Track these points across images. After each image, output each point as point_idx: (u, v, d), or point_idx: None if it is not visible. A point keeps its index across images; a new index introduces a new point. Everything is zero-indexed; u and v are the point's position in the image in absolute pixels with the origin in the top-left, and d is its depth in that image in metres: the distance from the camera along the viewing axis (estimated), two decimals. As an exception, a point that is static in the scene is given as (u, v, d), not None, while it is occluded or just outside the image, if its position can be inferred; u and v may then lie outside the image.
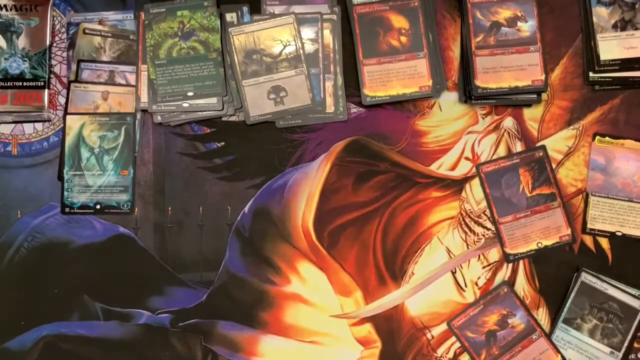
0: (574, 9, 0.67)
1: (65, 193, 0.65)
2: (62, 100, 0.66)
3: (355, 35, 0.65)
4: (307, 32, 0.66)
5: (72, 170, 0.65)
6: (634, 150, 0.64)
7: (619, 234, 0.64)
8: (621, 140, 0.65)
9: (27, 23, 0.66)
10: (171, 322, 0.63)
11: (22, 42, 0.65)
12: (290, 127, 0.66)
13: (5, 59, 0.65)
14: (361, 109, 0.66)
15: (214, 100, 0.64)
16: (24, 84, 0.65)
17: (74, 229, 0.64)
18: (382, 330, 0.63)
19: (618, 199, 0.64)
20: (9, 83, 0.64)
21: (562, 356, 0.62)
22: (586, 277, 0.63)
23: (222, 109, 0.65)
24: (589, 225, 0.64)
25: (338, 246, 0.64)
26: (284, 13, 0.66)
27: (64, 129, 0.65)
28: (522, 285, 0.64)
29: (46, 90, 0.65)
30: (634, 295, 0.62)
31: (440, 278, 0.64)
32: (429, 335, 0.63)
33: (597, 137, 0.65)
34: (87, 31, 0.66)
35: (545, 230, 0.64)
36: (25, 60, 0.65)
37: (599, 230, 0.64)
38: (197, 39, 0.65)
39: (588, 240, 0.64)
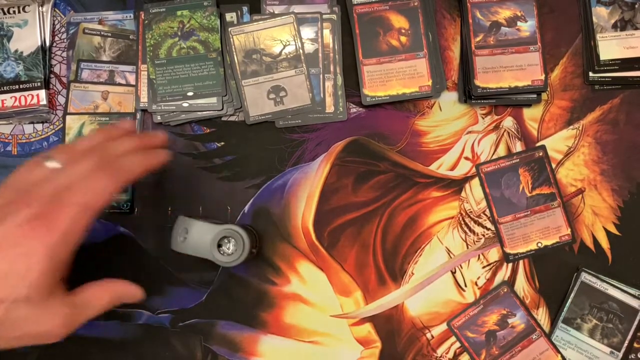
0: (573, 9, 0.67)
1: (65, 193, 0.64)
2: (62, 100, 0.66)
3: (355, 35, 0.65)
4: (307, 32, 0.66)
5: (72, 170, 0.65)
6: None
7: None
8: None
9: (16, 25, 0.65)
10: (171, 322, 0.63)
11: (14, 45, 0.65)
12: (290, 127, 0.66)
13: (-1, 63, 0.65)
14: (361, 108, 0.66)
15: (213, 100, 0.64)
16: (21, 86, 0.65)
17: (74, 229, 0.64)
18: (382, 330, 0.63)
19: None
20: (5, 87, 0.64)
21: (562, 356, 0.62)
22: (586, 277, 0.63)
23: (222, 108, 0.65)
24: None
25: (338, 246, 0.64)
26: (284, 13, 0.66)
27: (63, 128, 0.65)
28: (522, 285, 0.64)
29: (44, 90, 0.65)
30: (634, 295, 0.62)
31: (440, 278, 0.64)
32: (428, 335, 0.63)
33: None
34: (86, 31, 0.66)
35: (545, 230, 0.64)
36: (19, 63, 0.65)
37: None
38: (197, 38, 0.65)
39: (588, 240, 0.64)
